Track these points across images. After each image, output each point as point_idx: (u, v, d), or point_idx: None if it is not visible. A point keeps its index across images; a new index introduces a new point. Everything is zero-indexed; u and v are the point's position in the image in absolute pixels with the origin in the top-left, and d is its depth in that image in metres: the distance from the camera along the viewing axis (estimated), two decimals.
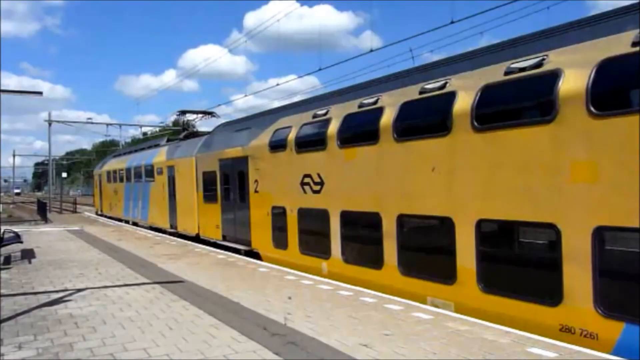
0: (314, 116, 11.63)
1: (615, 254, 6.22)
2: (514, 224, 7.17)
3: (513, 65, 7.21)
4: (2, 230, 14.09)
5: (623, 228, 5.84)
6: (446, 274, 7.96)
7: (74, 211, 41.77)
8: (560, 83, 6.45)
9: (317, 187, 11.25)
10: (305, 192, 11.67)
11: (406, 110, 8.98)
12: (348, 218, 10.41)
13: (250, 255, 13.96)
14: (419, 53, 37.87)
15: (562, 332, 6.33)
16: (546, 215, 6.60)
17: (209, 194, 17.20)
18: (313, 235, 11.63)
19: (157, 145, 25.07)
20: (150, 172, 23.57)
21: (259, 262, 12.89)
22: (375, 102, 9.74)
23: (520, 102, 7.33)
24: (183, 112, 24.29)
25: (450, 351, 5.76)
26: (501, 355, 5.59)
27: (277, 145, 12.83)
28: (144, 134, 50.02)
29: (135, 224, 26.14)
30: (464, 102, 7.76)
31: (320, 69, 20.03)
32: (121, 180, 28.91)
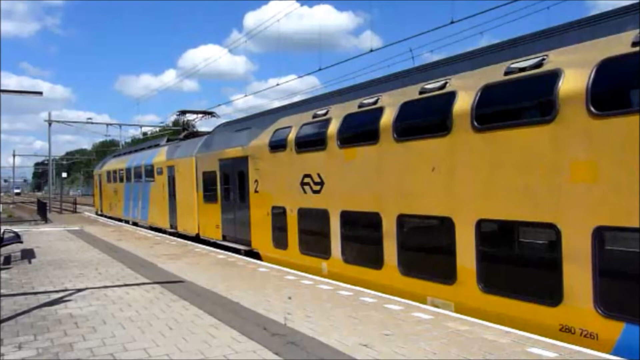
0: (314, 116, 11.63)
1: (615, 254, 6.22)
2: (514, 224, 7.16)
3: (513, 65, 7.21)
4: (2, 230, 14.09)
5: (623, 228, 5.84)
6: (446, 274, 7.96)
7: (74, 211, 41.77)
8: (560, 83, 6.45)
9: (317, 187, 11.25)
10: (305, 192, 11.67)
11: (406, 110, 8.98)
12: (348, 218, 10.41)
13: (250, 255, 13.96)
14: (419, 53, 38.03)
15: (562, 332, 6.33)
16: (546, 215, 6.60)
17: (209, 194, 17.20)
18: (313, 235, 11.63)
19: (157, 145, 25.06)
20: (150, 172, 23.57)
21: (259, 262, 12.89)
22: (375, 102, 9.73)
23: (520, 102, 7.33)
24: (183, 112, 24.28)
25: (450, 351, 5.76)
26: (501, 355, 5.59)
27: (277, 145, 12.83)
28: (144, 134, 49.98)
29: (135, 224, 26.14)
30: (464, 102, 7.76)
31: (320, 69, 20.02)
32: (121, 180, 28.91)
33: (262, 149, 13.54)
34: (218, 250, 15.14)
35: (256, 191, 13.95)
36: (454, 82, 8.18)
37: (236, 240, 15.25)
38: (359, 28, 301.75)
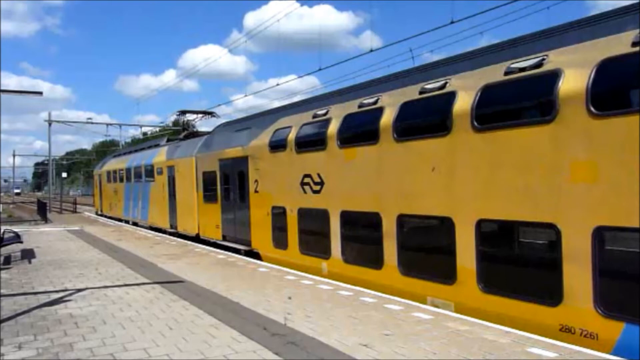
0: (314, 116, 11.63)
1: (615, 254, 6.22)
2: (514, 224, 7.16)
3: (513, 65, 7.21)
4: (2, 230, 14.09)
5: (623, 228, 5.84)
6: (446, 274, 7.96)
7: (74, 211, 41.76)
8: (560, 83, 6.45)
9: (317, 187, 11.25)
10: (305, 192, 11.67)
11: (406, 110, 8.98)
12: (348, 218, 10.41)
13: (250, 255, 13.96)
14: (419, 53, 38.07)
15: (562, 332, 6.33)
16: (546, 215, 6.60)
17: (209, 194, 17.20)
18: (313, 235, 11.63)
19: (157, 145, 25.06)
20: (150, 172, 23.57)
21: (259, 262, 12.89)
22: (375, 102, 9.73)
23: (520, 102, 7.33)
24: (183, 112, 24.28)
25: (450, 351, 5.76)
26: (501, 355, 5.59)
27: (277, 145, 12.83)
28: (144, 134, 49.97)
29: (135, 224, 26.14)
30: (464, 102, 7.76)
31: (320, 69, 20.03)
32: (121, 180, 28.91)
33: (262, 149, 13.54)
34: (218, 250, 15.14)
35: (256, 191, 13.95)
36: (454, 82, 8.18)
37: (236, 240, 15.25)
38: (359, 28, 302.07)
